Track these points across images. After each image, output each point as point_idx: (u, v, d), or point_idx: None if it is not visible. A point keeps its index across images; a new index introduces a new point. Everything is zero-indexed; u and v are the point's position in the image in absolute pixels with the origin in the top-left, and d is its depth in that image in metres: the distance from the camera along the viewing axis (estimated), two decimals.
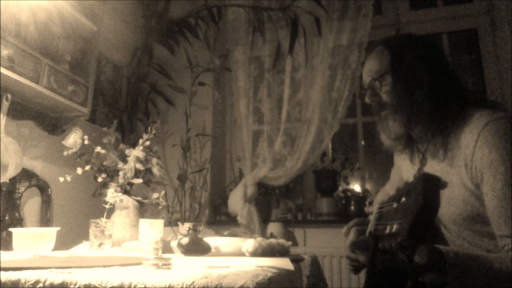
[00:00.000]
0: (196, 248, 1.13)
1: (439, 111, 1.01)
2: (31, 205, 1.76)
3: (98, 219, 1.25)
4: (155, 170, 1.54)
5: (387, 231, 0.66)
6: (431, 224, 0.61)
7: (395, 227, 0.63)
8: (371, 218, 0.78)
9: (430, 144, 1.06)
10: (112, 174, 1.48)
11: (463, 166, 0.96)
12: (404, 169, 1.22)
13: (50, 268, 0.79)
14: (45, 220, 1.78)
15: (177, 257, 1.08)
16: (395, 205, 0.68)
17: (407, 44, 1.06)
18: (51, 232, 1.26)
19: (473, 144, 0.94)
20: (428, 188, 0.60)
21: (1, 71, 1.39)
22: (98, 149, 1.46)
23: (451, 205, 0.99)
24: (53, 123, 1.86)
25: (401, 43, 1.08)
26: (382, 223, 0.71)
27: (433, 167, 1.06)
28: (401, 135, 1.07)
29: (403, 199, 0.65)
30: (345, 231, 0.99)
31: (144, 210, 1.57)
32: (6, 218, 1.58)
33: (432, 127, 1.04)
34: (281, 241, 1.25)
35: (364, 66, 1.13)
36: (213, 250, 1.17)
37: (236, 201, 2.35)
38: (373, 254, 0.69)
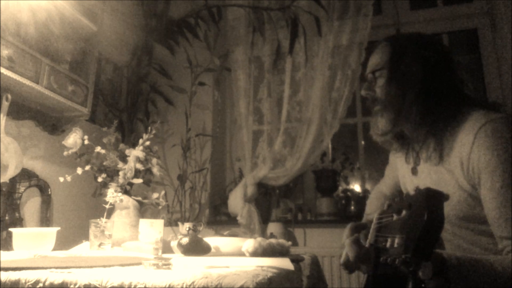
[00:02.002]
0: (196, 248, 1.13)
1: (430, 115, 1.01)
2: (31, 205, 1.76)
3: (98, 219, 1.25)
4: (155, 170, 1.54)
5: (387, 244, 0.65)
6: (437, 241, 0.59)
7: (396, 241, 0.62)
8: (371, 228, 0.77)
9: (425, 144, 1.06)
10: (112, 174, 1.48)
11: (459, 167, 0.96)
12: (399, 167, 1.22)
13: (50, 268, 0.79)
14: (45, 220, 1.78)
15: (177, 257, 1.08)
16: (394, 217, 0.66)
17: (411, 43, 1.06)
18: (51, 232, 1.26)
19: (470, 144, 0.93)
20: (432, 204, 0.58)
21: (1, 71, 1.39)
22: (98, 149, 1.46)
23: (445, 205, 0.99)
24: (53, 123, 1.86)
25: (405, 41, 1.08)
26: (382, 235, 0.71)
27: (427, 166, 1.06)
28: (386, 132, 1.07)
29: (404, 212, 0.63)
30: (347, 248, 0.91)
31: (144, 210, 1.57)
32: (6, 218, 1.58)
33: (423, 128, 1.03)
34: (281, 241, 1.24)
35: (369, 60, 1.14)
36: (213, 250, 1.17)
37: (236, 201, 2.35)
38: (375, 266, 0.69)
